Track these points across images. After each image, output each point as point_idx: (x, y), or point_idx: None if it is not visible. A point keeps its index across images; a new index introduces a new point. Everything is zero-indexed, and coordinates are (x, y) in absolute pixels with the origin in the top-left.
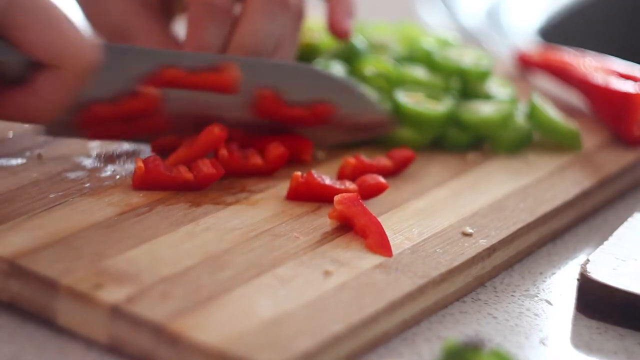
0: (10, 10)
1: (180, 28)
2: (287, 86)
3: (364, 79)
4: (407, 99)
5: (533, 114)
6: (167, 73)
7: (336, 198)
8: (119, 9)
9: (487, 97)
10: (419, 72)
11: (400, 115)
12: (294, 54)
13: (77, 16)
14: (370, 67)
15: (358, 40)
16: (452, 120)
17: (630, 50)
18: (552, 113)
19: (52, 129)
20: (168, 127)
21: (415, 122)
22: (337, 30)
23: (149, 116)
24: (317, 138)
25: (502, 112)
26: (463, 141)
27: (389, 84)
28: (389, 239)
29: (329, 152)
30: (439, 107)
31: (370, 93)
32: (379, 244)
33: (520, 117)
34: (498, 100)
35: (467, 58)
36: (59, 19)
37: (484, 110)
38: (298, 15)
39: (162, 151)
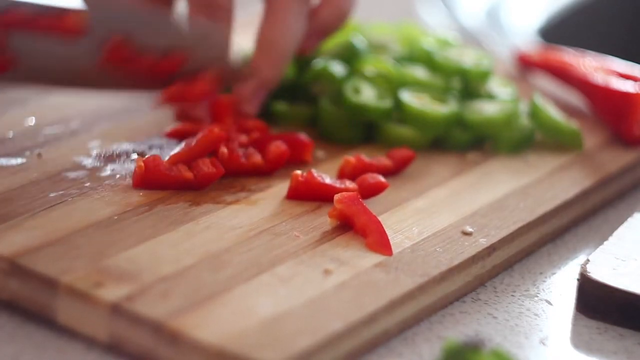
0: None
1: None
2: (140, 33)
3: (364, 78)
4: (412, 98)
5: (535, 114)
6: (11, 15)
7: (336, 197)
8: None
9: (488, 97)
10: (419, 72)
11: (404, 114)
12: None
13: None
14: (370, 68)
15: (358, 40)
16: (456, 120)
17: (630, 50)
18: (553, 113)
19: None
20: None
21: (419, 122)
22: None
23: None
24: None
25: (506, 111)
26: (465, 141)
27: (389, 84)
28: (389, 238)
29: (328, 152)
30: (443, 108)
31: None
32: (379, 243)
33: (523, 117)
34: (501, 100)
35: (467, 58)
36: None
37: (487, 110)
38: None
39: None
